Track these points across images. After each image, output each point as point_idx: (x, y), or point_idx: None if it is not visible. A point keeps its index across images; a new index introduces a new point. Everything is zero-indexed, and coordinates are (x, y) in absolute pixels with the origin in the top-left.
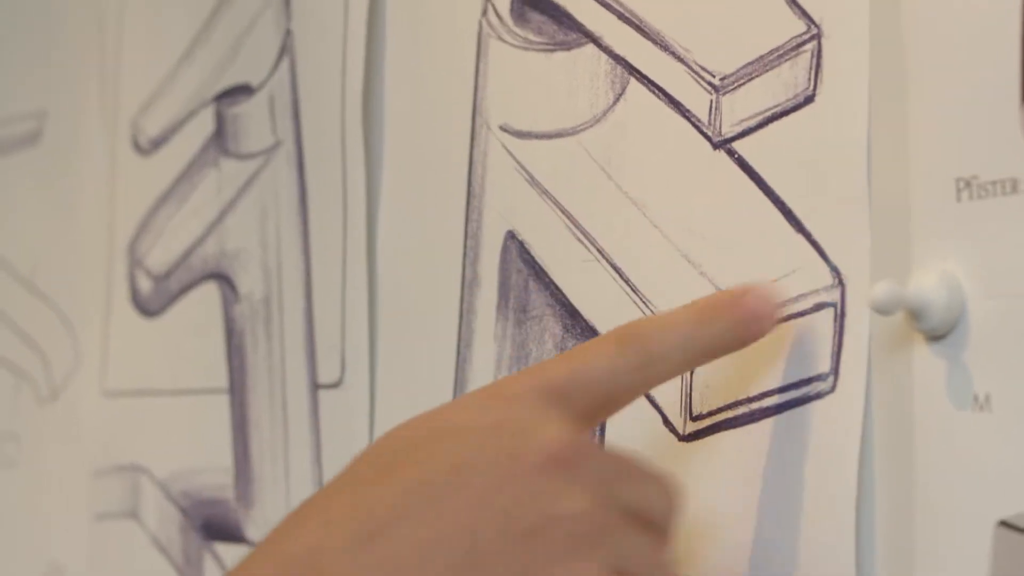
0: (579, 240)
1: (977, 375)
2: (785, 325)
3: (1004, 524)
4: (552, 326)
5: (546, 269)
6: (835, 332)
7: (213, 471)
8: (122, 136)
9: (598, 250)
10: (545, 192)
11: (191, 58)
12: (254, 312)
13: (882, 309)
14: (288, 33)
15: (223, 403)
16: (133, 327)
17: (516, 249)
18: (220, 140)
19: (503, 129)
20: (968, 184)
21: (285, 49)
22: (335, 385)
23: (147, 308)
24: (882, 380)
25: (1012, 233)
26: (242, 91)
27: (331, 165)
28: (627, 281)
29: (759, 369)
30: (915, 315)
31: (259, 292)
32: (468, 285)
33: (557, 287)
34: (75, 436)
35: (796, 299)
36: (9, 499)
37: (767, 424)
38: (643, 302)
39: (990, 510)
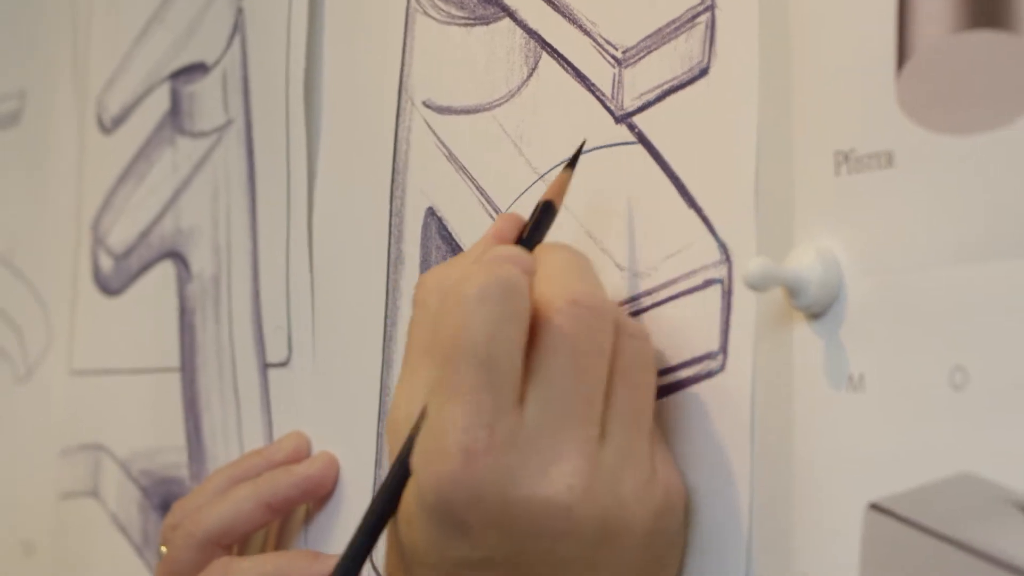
0: (491, 216)
1: (852, 354)
2: (680, 302)
3: (875, 507)
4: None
5: (462, 246)
6: (723, 310)
7: (169, 450)
8: (89, 115)
9: None
10: (462, 168)
11: (149, 35)
12: (204, 291)
13: (755, 286)
14: (240, 11)
15: (176, 381)
16: (96, 306)
17: (435, 226)
18: (175, 118)
19: (426, 105)
20: (846, 157)
21: (237, 27)
22: (283, 364)
23: (108, 287)
24: (766, 359)
25: (888, 208)
26: (197, 69)
27: (277, 144)
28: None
29: (658, 347)
30: (792, 292)
31: (209, 271)
32: (393, 263)
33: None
34: (45, 415)
35: (688, 275)
36: None
37: (665, 404)
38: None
39: (864, 492)
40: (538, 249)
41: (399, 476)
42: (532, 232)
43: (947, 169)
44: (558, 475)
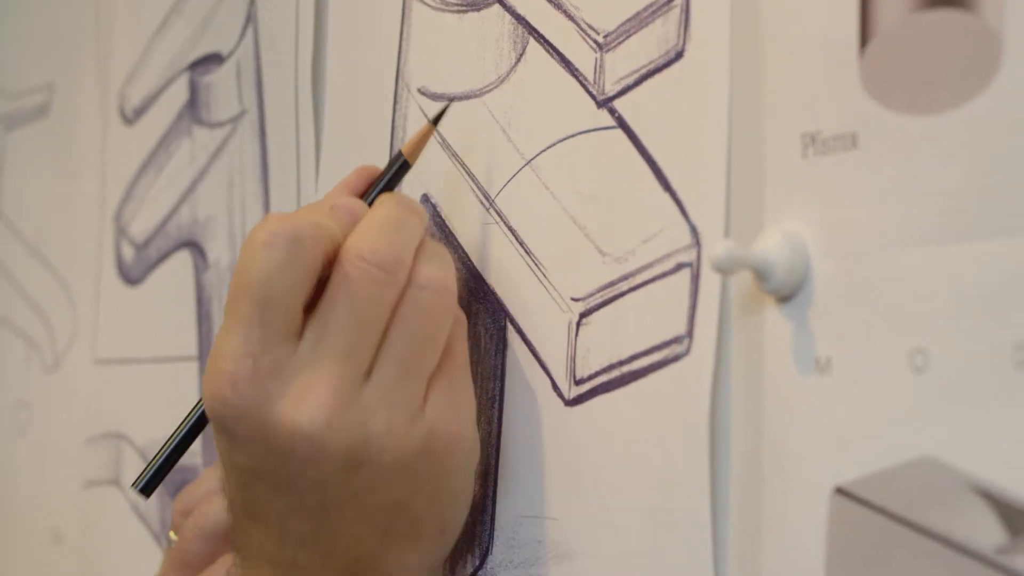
0: (481, 203)
1: (819, 338)
2: (654, 287)
3: (840, 491)
4: (460, 290)
5: (455, 232)
6: (691, 294)
7: None
8: (112, 106)
9: (497, 212)
10: (455, 155)
11: (168, 27)
12: (220, 280)
13: (721, 269)
14: (252, 2)
15: (194, 370)
16: (119, 295)
17: (430, 212)
18: (193, 109)
19: (421, 92)
20: (813, 140)
21: (250, 17)
22: None
23: (130, 276)
24: (737, 343)
25: (853, 190)
26: (213, 60)
27: (287, 133)
28: (522, 244)
29: (630, 331)
30: (759, 276)
31: (226, 259)
32: None
33: (464, 250)
34: (72, 404)
35: (661, 259)
36: (19, 467)
37: (635, 387)
38: (535, 265)
39: (831, 477)
40: (377, 200)
41: None
42: (381, 182)
43: (908, 150)
44: (306, 406)
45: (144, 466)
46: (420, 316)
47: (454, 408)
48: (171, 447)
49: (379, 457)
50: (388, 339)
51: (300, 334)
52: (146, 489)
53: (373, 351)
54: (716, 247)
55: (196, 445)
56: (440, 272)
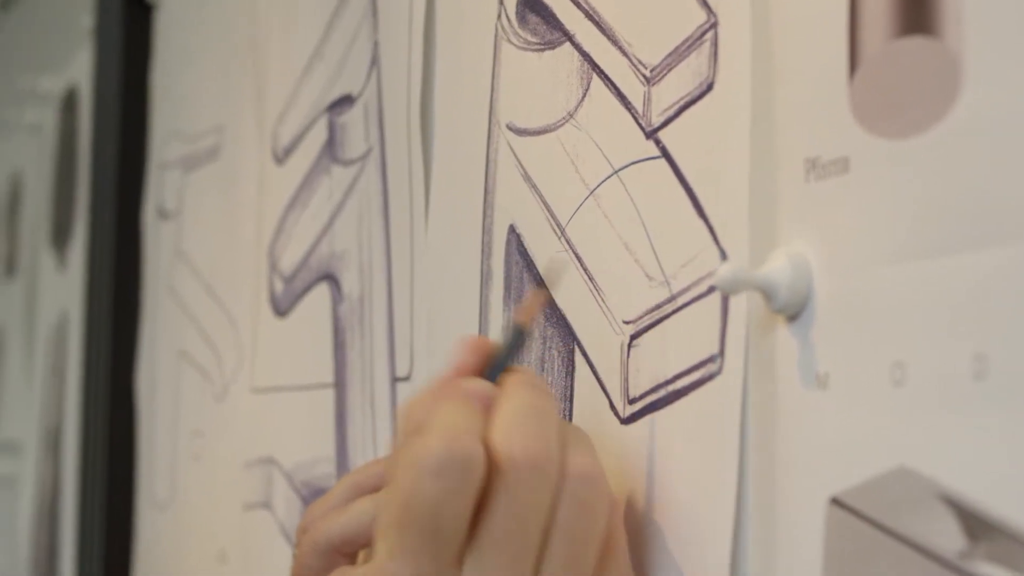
0: (554, 232)
1: (820, 354)
2: (692, 309)
3: (835, 502)
4: (539, 316)
5: (534, 261)
6: (722, 314)
7: (323, 461)
8: (266, 147)
9: (567, 240)
10: (534, 187)
11: (311, 71)
12: (352, 310)
13: (725, 289)
14: (376, 44)
15: (331, 398)
16: (271, 327)
17: (515, 242)
18: (331, 148)
19: (508, 128)
20: (813, 164)
21: (375, 59)
22: (406, 378)
23: (279, 308)
24: (755, 361)
25: (846, 212)
26: (347, 101)
27: (402, 169)
28: (585, 270)
29: (672, 352)
30: (766, 296)
31: (356, 291)
32: (484, 279)
33: (541, 277)
34: (235, 431)
35: (697, 282)
36: (192, 490)
37: (678, 406)
38: (596, 290)
39: (830, 487)
40: (505, 382)
41: None
42: (503, 357)
43: (888, 172)
44: None
45: (289, 491)
46: (580, 515)
47: None
48: None
49: None
50: (551, 544)
51: (464, 553)
52: None
53: (537, 558)
54: (720, 269)
55: (332, 469)
56: (590, 458)
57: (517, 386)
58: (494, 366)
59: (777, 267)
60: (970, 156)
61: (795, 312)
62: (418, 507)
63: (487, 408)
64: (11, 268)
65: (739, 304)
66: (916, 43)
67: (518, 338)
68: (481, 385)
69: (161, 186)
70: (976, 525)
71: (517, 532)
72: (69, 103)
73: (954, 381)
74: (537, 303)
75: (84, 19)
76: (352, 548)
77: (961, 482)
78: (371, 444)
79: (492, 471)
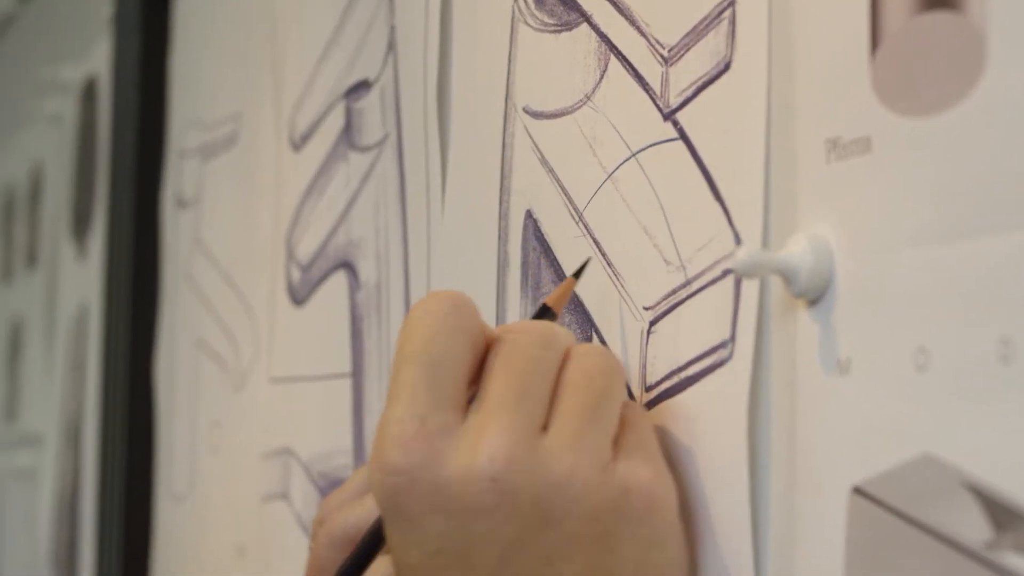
0: (571, 216)
1: (841, 339)
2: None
3: (857, 491)
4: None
5: (551, 246)
6: (734, 299)
7: (340, 452)
8: (284, 134)
9: (584, 225)
10: (551, 170)
11: (328, 56)
12: (369, 298)
13: (744, 273)
14: (392, 28)
15: (348, 387)
16: (288, 316)
17: (532, 227)
18: (348, 134)
19: (525, 111)
20: (835, 145)
21: (391, 43)
22: None
23: (296, 297)
24: (775, 347)
25: (868, 193)
26: (364, 86)
27: (419, 155)
28: (604, 255)
29: (686, 337)
30: (785, 280)
31: (373, 279)
32: (501, 266)
33: (558, 263)
34: (252, 422)
35: (711, 266)
36: (211, 482)
37: (690, 393)
38: (615, 276)
39: (852, 475)
40: None
41: None
42: None
43: (911, 152)
44: (483, 450)
45: (306, 483)
46: (590, 373)
47: (650, 464)
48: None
49: (572, 509)
50: (560, 395)
51: (466, 408)
52: None
53: (546, 405)
54: (738, 252)
55: (349, 460)
56: (600, 348)
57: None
58: None
59: (797, 250)
60: (995, 134)
61: (816, 296)
62: (410, 344)
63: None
64: (32, 259)
65: (751, 289)
66: (939, 19)
67: (544, 316)
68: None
69: (180, 175)
70: (1002, 514)
71: (521, 375)
72: (89, 93)
73: (979, 366)
74: (566, 289)
75: (104, 8)
76: None
77: (987, 470)
78: None
79: (492, 344)
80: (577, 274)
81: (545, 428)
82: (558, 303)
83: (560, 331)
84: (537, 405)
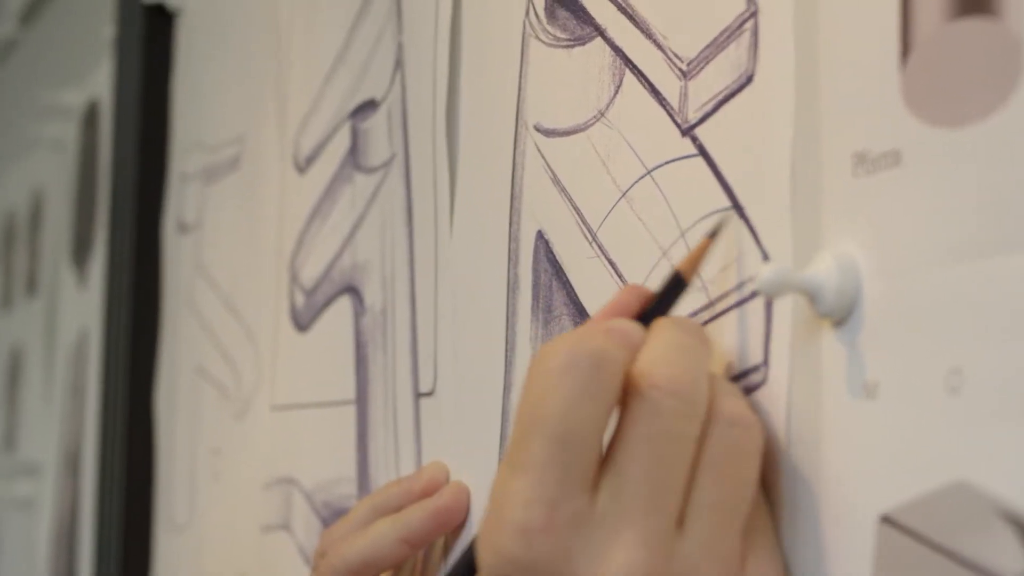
0: (585, 236)
1: (869, 361)
2: (733, 315)
3: (886, 520)
4: (568, 326)
5: (563, 267)
6: (765, 321)
7: (344, 481)
8: (288, 156)
9: (599, 246)
10: (563, 190)
11: (334, 76)
12: (375, 323)
13: (768, 293)
14: (400, 46)
15: (351, 415)
16: (291, 342)
17: (543, 249)
18: (354, 155)
19: (536, 129)
20: (862, 159)
21: (399, 62)
22: (430, 394)
23: (300, 323)
24: (800, 370)
25: (897, 208)
26: (370, 106)
27: (427, 175)
28: (620, 276)
29: (714, 363)
30: (811, 300)
31: (379, 303)
32: (511, 288)
33: (571, 285)
34: (254, 450)
35: (738, 287)
36: (212, 512)
37: None
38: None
39: (879, 503)
40: (655, 324)
41: (471, 551)
42: (657, 304)
43: (943, 165)
44: (616, 561)
45: (308, 513)
46: (731, 455)
47: (773, 564)
48: None
49: None
50: (698, 483)
51: (596, 480)
52: None
53: (682, 496)
54: (762, 271)
55: (353, 489)
56: (745, 406)
57: (668, 324)
58: (647, 314)
59: (823, 269)
60: None
61: (842, 317)
62: (543, 409)
63: (634, 347)
64: (32, 286)
65: (784, 310)
66: (974, 25)
67: (677, 286)
68: (629, 324)
69: (181, 199)
70: None
71: (660, 461)
72: (90, 117)
73: (1015, 388)
74: (703, 252)
75: (106, 31)
76: (371, 572)
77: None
78: (393, 463)
79: (631, 396)
80: (713, 234)
81: (680, 522)
82: (689, 270)
83: (705, 369)
84: (676, 499)
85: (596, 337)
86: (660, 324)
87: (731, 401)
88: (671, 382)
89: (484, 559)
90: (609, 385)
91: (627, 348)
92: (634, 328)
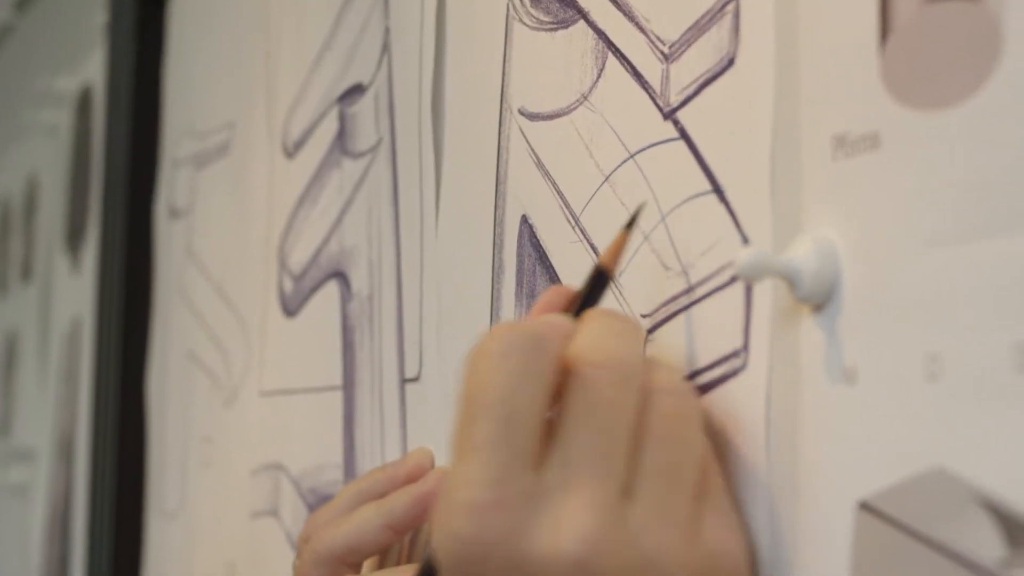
0: (568, 220)
1: (847, 347)
2: (713, 300)
3: (864, 507)
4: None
5: (547, 252)
6: (745, 306)
7: (330, 467)
8: (276, 142)
9: (581, 230)
10: (547, 174)
11: (321, 62)
12: (362, 309)
13: (746, 277)
14: (387, 31)
15: (339, 400)
16: (280, 328)
17: (527, 233)
18: (342, 140)
19: (520, 112)
20: (841, 142)
21: (385, 46)
22: (415, 379)
23: (288, 308)
24: (778, 355)
25: (876, 192)
26: (357, 91)
27: (413, 160)
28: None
29: (692, 346)
30: (790, 284)
31: (365, 289)
32: (496, 272)
33: (555, 270)
34: (242, 436)
35: (718, 271)
36: (203, 499)
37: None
38: (612, 284)
39: (857, 489)
40: (584, 314)
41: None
42: (584, 300)
43: (922, 147)
44: (568, 530)
45: (295, 499)
46: (672, 421)
47: (730, 529)
48: None
49: None
50: (644, 450)
51: (542, 457)
52: None
53: (628, 464)
54: (740, 255)
55: (339, 475)
56: (677, 376)
57: (596, 314)
58: (577, 310)
59: (801, 253)
60: (1012, 128)
61: (821, 301)
62: (485, 393)
63: (567, 336)
64: (27, 272)
65: (764, 295)
66: (953, 7)
67: (600, 281)
68: (560, 316)
69: (173, 184)
70: (1018, 531)
71: (603, 430)
72: (84, 103)
73: (994, 374)
74: (622, 244)
75: (99, 17)
76: (356, 557)
77: (1002, 485)
78: (379, 449)
79: (569, 378)
80: (630, 224)
81: (628, 491)
82: (611, 261)
83: (637, 348)
84: (621, 465)
85: (532, 324)
86: (589, 314)
87: (664, 373)
88: (605, 356)
89: (439, 541)
90: (547, 366)
91: (561, 336)
92: (565, 320)
